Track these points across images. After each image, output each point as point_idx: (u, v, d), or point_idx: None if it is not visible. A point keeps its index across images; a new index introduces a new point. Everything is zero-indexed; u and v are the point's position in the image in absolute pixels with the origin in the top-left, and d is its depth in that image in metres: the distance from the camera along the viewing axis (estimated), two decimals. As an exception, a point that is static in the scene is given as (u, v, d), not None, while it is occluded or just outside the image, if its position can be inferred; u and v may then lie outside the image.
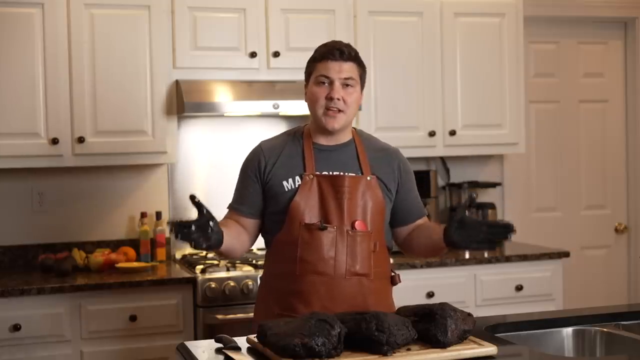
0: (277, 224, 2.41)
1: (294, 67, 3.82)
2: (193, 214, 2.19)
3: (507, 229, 2.22)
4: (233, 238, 2.37)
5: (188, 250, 4.01)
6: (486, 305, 3.87)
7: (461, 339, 2.01)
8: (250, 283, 3.45)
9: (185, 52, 3.73)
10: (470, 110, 4.20)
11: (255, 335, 2.06)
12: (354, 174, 2.42)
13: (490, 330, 2.25)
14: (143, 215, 3.93)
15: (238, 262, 3.63)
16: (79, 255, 3.72)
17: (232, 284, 3.44)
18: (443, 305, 2.04)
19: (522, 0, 4.29)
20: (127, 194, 4.01)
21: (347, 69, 2.39)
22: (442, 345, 1.97)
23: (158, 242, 3.90)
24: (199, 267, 3.54)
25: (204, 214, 2.17)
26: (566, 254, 4.08)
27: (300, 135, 2.49)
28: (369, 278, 2.40)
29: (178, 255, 3.97)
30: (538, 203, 4.85)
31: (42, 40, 3.54)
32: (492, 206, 4.45)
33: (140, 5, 3.67)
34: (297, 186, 2.39)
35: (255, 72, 3.84)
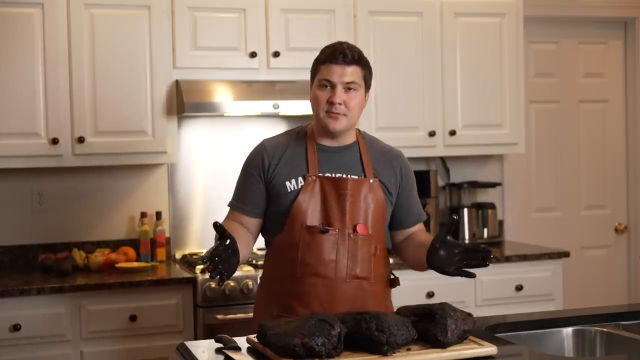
0: (279, 224, 2.41)
1: (294, 67, 3.82)
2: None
3: (484, 255, 2.20)
4: (243, 248, 2.33)
5: (188, 250, 4.01)
6: (486, 305, 3.87)
7: (461, 339, 2.01)
8: (250, 283, 3.45)
9: (185, 52, 3.73)
10: (470, 110, 4.20)
11: (255, 335, 2.06)
12: (356, 177, 2.41)
13: (490, 330, 2.25)
14: (143, 215, 3.93)
15: (238, 262, 3.63)
16: (79, 255, 3.72)
17: (232, 284, 3.44)
18: (443, 305, 2.04)
19: (522, 0, 4.29)
20: (127, 194, 4.01)
21: (350, 72, 2.37)
22: (442, 345, 1.97)
23: (158, 242, 3.90)
24: (199, 267, 3.54)
25: (227, 243, 2.15)
26: (566, 254, 4.08)
27: (303, 135, 2.48)
28: (369, 281, 2.39)
29: (178, 255, 3.97)
30: (538, 203, 4.84)
31: (42, 40, 3.54)
32: (492, 206, 4.46)
33: (140, 5, 3.67)
34: (299, 187, 2.38)
35: (255, 72, 3.84)
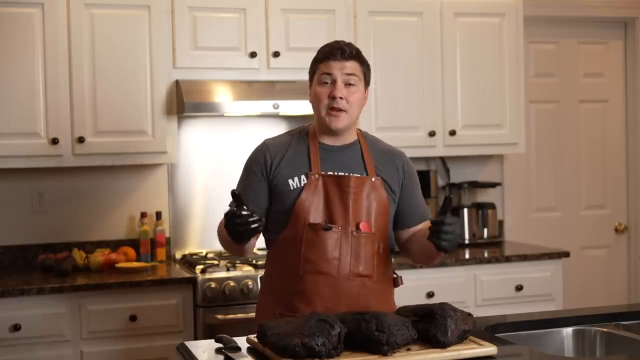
0: (281, 222, 2.40)
1: (294, 67, 3.82)
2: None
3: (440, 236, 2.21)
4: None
5: (188, 250, 4.01)
6: (486, 305, 3.87)
7: (461, 339, 2.01)
8: (250, 283, 3.45)
9: (185, 52, 3.73)
10: (470, 110, 4.20)
11: (255, 335, 2.06)
12: (359, 175, 2.42)
13: (490, 330, 2.25)
14: (143, 215, 3.93)
15: (238, 262, 3.64)
16: (79, 255, 3.72)
17: (232, 284, 3.44)
18: (443, 305, 2.04)
19: (522, 0, 4.29)
20: (127, 194, 4.01)
21: (350, 66, 2.39)
22: (442, 345, 1.97)
23: (158, 242, 3.90)
24: (199, 267, 3.54)
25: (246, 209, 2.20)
26: (566, 254, 4.08)
27: (305, 134, 2.48)
28: (372, 279, 2.39)
29: (178, 255, 3.98)
30: (538, 203, 4.85)
31: (42, 40, 3.54)
32: (492, 206, 4.46)
33: (140, 5, 3.67)
34: (302, 185, 2.39)
35: (255, 72, 3.84)
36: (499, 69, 4.25)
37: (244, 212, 2.19)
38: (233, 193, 2.22)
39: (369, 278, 2.38)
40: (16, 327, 3.25)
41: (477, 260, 3.92)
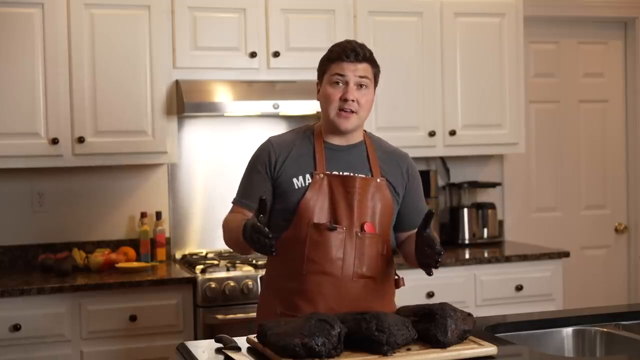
0: (285, 221, 2.39)
1: (294, 67, 3.81)
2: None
3: (434, 259, 2.22)
4: None
5: (188, 250, 4.01)
6: (486, 305, 3.87)
7: (461, 339, 2.01)
8: (250, 283, 3.45)
9: (185, 52, 3.73)
10: (470, 110, 4.20)
11: (255, 335, 2.06)
12: (364, 175, 2.41)
13: (490, 330, 2.25)
14: (143, 215, 3.93)
15: (238, 262, 3.64)
16: (79, 255, 3.72)
17: (232, 284, 3.44)
18: (443, 305, 2.04)
19: (522, 0, 4.29)
20: (127, 194, 4.01)
21: (363, 68, 2.38)
22: (442, 345, 1.97)
23: (158, 242, 3.90)
24: (199, 267, 3.54)
25: (262, 220, 2.15)
26: (566, 254, 4.08)
27: (310, 133, 2.46)
28: (375, 281, 2.39)
29: (178, 255, 3.98)
30: (538, 203, 4.85)
31: (42, 40, 3.54)
32: (492, 206, 4.46)
33: (140, 5, 3.67)
34: (307, 184, 2.37)
35: (255, 72, 3.84)
36: (499, 69, 4.25)
37: (270, 236, 2.12)
38: (260, 199, 2.14)
39: (372, 279, 2.38)
40: (16, 327, 3.25)
41: (477, 260, 3.92)
